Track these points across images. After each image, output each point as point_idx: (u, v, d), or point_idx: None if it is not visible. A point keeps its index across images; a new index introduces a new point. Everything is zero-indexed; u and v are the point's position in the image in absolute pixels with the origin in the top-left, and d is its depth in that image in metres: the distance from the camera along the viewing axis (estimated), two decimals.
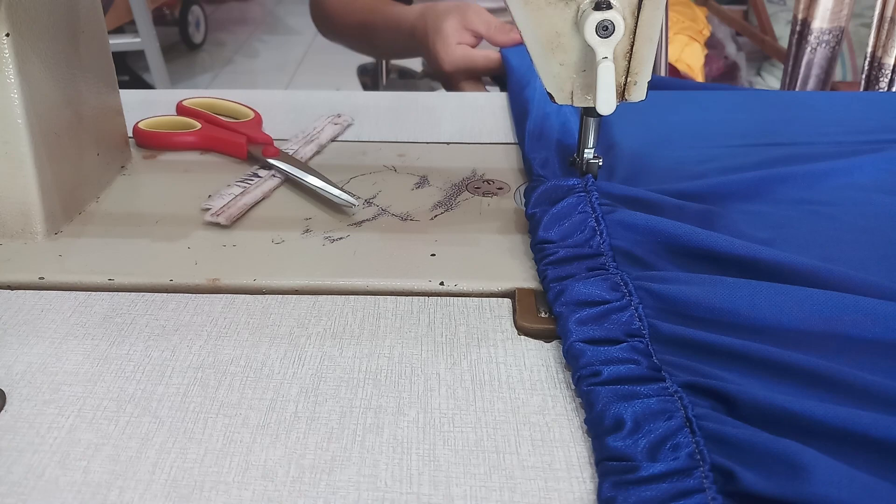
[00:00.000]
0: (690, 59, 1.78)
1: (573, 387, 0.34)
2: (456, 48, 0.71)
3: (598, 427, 0.31)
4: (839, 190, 0.50)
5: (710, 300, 0.37)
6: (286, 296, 0.41)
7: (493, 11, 0.75)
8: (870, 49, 0.94)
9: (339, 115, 0.62)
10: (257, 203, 0.50)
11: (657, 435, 0.30)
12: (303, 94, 0.69)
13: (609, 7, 0.38)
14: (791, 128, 0.60)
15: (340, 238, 0.46)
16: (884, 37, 0.91)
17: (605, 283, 0.38)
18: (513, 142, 0.60)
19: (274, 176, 0.52)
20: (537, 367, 0.36)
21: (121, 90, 0.55)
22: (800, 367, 0.33)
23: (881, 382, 0.32)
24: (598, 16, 0.38)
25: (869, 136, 0.57)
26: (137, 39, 2.15)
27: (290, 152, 0.55)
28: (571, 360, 0.35)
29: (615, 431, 0.30)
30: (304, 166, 0.52)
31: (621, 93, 0.42)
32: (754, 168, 0.52)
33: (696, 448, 0.29)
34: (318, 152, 0.58)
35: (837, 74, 1.87)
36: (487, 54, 0.71)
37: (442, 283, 0.41)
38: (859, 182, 0.51)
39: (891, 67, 0.91)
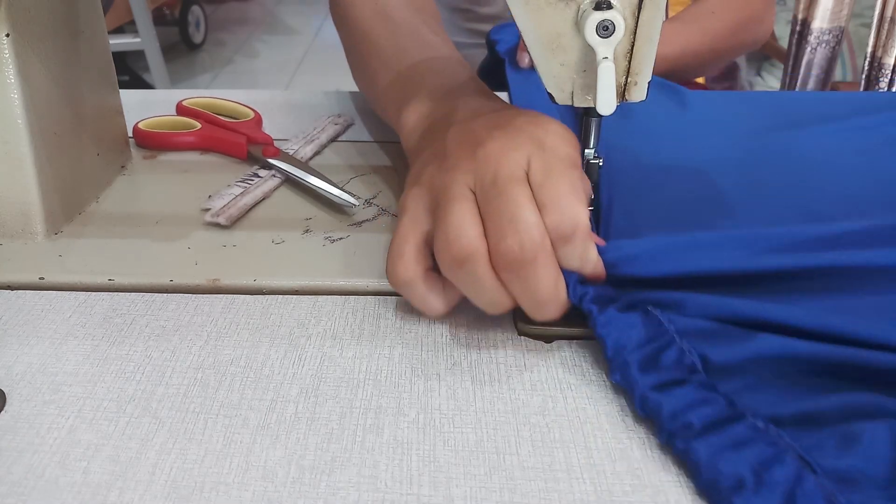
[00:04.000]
0: None
1: (631, 419, 0.33)
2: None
3: (715, 489, 0.29)
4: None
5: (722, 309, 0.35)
6: (286, 296, 0.41)
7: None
8: (870, 49, 0.94)
9: (339, 115, 0.62)
10: (257, 203, 0.50)
11: (785, 487, 0.28)
12: (303, 94, 0.69)
13: (609, 7, 0.38)
14: (790, 127, 0.60)
15: (340, 238, 0.46)
16: (884, 37, 0.91)
17: (638, 317, 0.35)
18: None
19: (274, 176, 0.52)
20: (537, 367, 0.36)
21: (121, 90, 0.55)
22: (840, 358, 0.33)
23: None
24: (599, 16, 0.38)
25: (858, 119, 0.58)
26: (137, 39, 2.16)
27: (290, 152, 0.55)
28: (650, 412, 0.32)
29: (739, 490, 0.28)
30: (305, 166, 0.52)
31: (621, 93, 0.42)
32: (752, 167, 0.52)
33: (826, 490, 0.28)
34: (318, 152, 0.57)
35: (837, 74, 1.87)
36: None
37: None
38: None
39: (891, 67, 0.91)
